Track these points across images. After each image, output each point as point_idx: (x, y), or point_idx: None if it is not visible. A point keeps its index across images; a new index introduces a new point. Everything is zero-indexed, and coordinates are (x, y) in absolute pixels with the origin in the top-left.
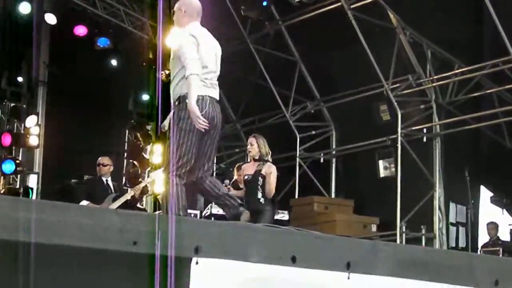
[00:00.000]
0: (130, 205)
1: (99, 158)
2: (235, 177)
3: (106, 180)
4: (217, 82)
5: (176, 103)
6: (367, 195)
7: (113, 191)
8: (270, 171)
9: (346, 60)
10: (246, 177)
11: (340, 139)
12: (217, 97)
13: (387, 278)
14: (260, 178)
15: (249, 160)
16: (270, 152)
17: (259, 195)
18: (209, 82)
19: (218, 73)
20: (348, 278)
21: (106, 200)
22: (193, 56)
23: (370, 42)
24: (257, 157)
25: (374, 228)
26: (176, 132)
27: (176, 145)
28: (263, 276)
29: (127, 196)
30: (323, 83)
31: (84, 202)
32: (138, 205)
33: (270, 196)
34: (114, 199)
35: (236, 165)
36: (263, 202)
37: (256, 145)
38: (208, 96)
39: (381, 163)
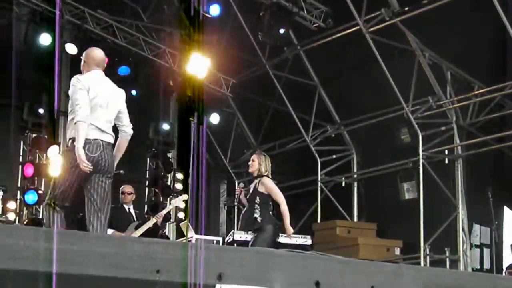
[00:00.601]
0: (153, 232)
1: (122, 187)
2: None
3: (129, 208)
4: (110, 127)
5: (69, 142)
6: (390, 218)
7: (135, 219)
8: (267, 186)
9: (366, 83)
10: (248, 195)
11: (361, 162)
12: (111, 141)
13: None
14: (257, 197)
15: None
16: (269, 171)
17: (257, 213)
18: (101, 127)
19: (111, 119)
20: None
21: (129, 228)
22: (82, 103)
23: (389, 64)
24: (255, 174)
25: (397, 251)
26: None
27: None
28: None
29: (149, 224)
30: (343, 106)
31: (110, 231)
32: (161, 232)
33: (284, 206)
34: (137, 227)
35: None
36: (259, 221)
37: (256, 162)
38: (100, 140)
39: (403, 186)
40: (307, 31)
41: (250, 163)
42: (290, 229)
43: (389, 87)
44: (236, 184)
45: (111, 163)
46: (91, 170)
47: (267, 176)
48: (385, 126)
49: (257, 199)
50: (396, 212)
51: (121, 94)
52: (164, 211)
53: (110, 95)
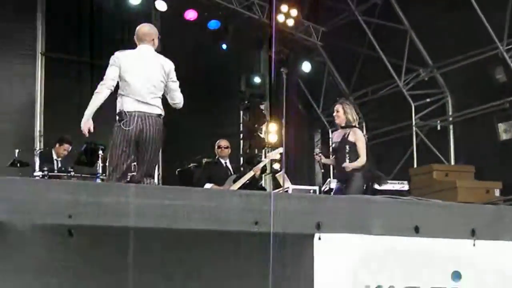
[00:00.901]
0: (251, 185)
1: (218, 141)
2: None
3: (225, 163)
4: (155, 98)
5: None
6: (488, 159)
7: (232, 172)
8: (357, 137)
9: (457, 24)
10: (333, 145)
11: (456, 104)
12: (154, 112)
13: None
14: (347, 146)
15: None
16: (358, 118)
17: (347, 162)
18: (142, 99)
19: (156, 91)
20: (474, 245)
21: (227, 182)
22: (106, 77)
23: (481, 3)
24: (343, 124)
25: (497, 192)
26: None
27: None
28: (386, 248)
29: (247, 177)
30: (435, 49)
31: (208, 185)
32: (258, 184)
33: (362, 163)
34: (235, 181)
35: None
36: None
37: (342, 112)
38: (139, 111)
39: (500, 126)
40: None
41: (335, 114)
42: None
43: (482, 27)
44: (316, 150)
45: (153, 133)
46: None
47: (356, 126)
48: (479, 67)
49: (346, 148)
50: (494, 154)
51: (161, 67)
52: (261, 164)
53: (146, 68)
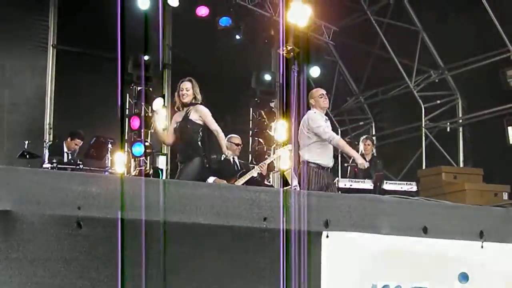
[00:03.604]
0: (257, 182)
1: (231, 137)
2: (361, 149)
3: (233, 158)
4: None
5: None
6: (497, 162)
7: (239, 168)
8: (202, 112)
9: (469, 26)
10: (176, 125)
11: (466, 107)
12: None
13: None
14: (188, 125)
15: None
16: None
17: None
18: None
19: None
20: (482, 247)
21: (233, 178)
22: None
23: (494, 5)
24: (189, 102)
25: (505, 196)
26: None
27: None
28: (394, 247)
29: (253, 173)
30: (447, 51)
31: (211, 179)
32: (265, 181)
33: (221, 133)
34: (240, 175)
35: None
36: (190, 152)
37: (191, 91)
38: None
39: (510, 130)
40: None
41: (184, 92)
42: (227, 152)
43: (493, 29)
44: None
45: None
46: None
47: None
48: (490, 69)
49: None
50: (503, 157)
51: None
52: (268, 161)
53: None
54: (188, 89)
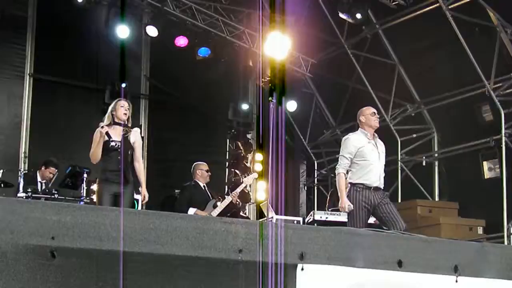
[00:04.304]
0: (233, 213)
1: (199, 164)
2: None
3: (204, 186)
4: None
5: None
6: (472, 197)
7: (210, 197)
8: (138, 136)
9: (446, 61)
10: (116, 144)
11: (442, 141)
12: None
13: (496, 280)
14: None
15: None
16: None
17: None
18: None
19: None
20: (456, 281)
21: (207, 207)
22: None
23: (470, 42)
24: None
25: (480, 230)
26: None
27: None
28: (369, 280)
29: (227, 202)
30: (423, 85)
31: (192, 210)
32: (241, 213)
33: (141, 164)
34: (214, 206)
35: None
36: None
37: (130, 109)
38: None
39: (485, 164)
40: (386, 9)
41: (126, 110)
42: (144, 194)
43: (469, 65)
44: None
45: None
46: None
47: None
48: (466, 104)
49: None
50: (478, 191)
51: None
52: (239, 189)
53: None
54: (129, 108)
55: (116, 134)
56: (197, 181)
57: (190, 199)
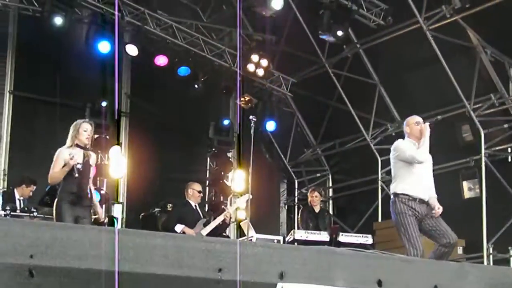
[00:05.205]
0: (218, 232)
1: (192, 184)
2: (309, 200)
3: (195, 205)
4: None
5: None
6: (452, 216)
7: (201, 216)
8: (94, 159)
9: (426, 81)
10: (79, 166)
11: None
12: None
13: None
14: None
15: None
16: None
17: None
18: None
19: None
20: None
21: (197, 226)
22: None
23: (450, 62)
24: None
25: (460, 250)
26: None
27: None
28: None
29: (218, 221)
30: (404, 105)
31: (179, 226)
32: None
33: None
34: (205, 224)
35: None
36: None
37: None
38: None
39: (465, 184)
40: (366, 29)
41: (89, 133)
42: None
43: (450, 85)
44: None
45: None
46: None
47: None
48: (447, 124)
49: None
50: (458, 211)
51: None
52: (231, 209)
53: None
54: (92, 131)
55: (78, 156)
56: (189, 200)
57: (179, 217)
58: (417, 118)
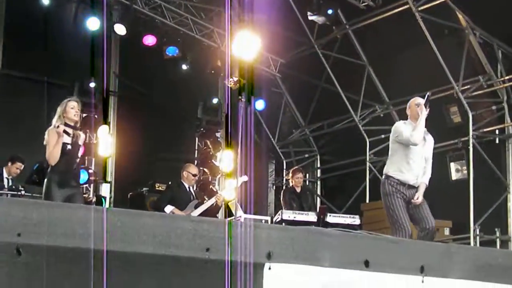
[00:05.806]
0: (209, 215)
1: (188, 166)
2: (290, 182)
3: (189, 187)
4: None
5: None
6: (439, 198)
7: (194, 197)
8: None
9: (415, 62)
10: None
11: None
12: None
13: (461, 281)
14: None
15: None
16: None
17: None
18: None
19: None
20: (422, 281)
21: (188, 207)
22: None
23: (439, 43)
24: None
25: (447, 231)
26: None
27: None
28: (335, 280)
29: (210, 203)
30: (392, 86)
31: (169, 207)
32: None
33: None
34: (196, 206)
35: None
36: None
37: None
38: None
39: (452, 166)
40: (356, 10)
41: (77, 112)
42: None
43: (438, 66)
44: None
45: None
46: None
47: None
48: (435, 106)
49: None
50: (445, 193)
51: None
52: (224, 192)
53: None
54: (79, 108)
55: (68, 129)
56: (183, 181)
57: (171, 198)
58: (418, 100)
